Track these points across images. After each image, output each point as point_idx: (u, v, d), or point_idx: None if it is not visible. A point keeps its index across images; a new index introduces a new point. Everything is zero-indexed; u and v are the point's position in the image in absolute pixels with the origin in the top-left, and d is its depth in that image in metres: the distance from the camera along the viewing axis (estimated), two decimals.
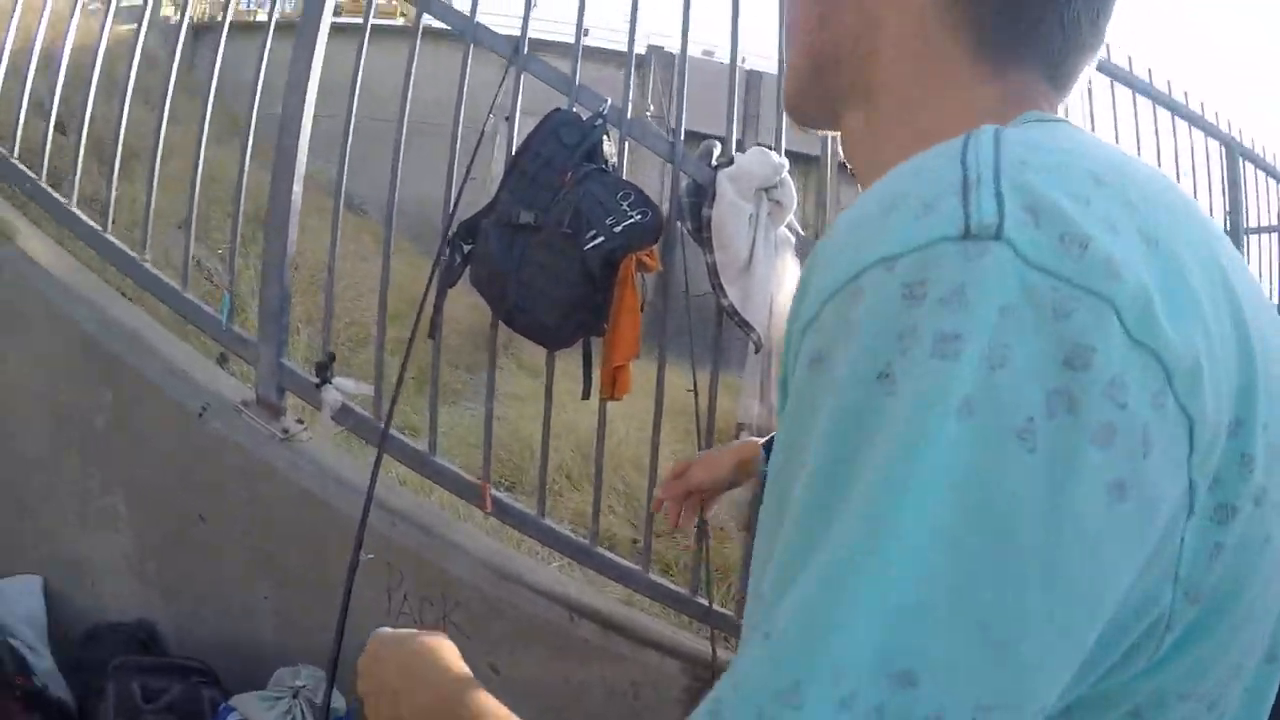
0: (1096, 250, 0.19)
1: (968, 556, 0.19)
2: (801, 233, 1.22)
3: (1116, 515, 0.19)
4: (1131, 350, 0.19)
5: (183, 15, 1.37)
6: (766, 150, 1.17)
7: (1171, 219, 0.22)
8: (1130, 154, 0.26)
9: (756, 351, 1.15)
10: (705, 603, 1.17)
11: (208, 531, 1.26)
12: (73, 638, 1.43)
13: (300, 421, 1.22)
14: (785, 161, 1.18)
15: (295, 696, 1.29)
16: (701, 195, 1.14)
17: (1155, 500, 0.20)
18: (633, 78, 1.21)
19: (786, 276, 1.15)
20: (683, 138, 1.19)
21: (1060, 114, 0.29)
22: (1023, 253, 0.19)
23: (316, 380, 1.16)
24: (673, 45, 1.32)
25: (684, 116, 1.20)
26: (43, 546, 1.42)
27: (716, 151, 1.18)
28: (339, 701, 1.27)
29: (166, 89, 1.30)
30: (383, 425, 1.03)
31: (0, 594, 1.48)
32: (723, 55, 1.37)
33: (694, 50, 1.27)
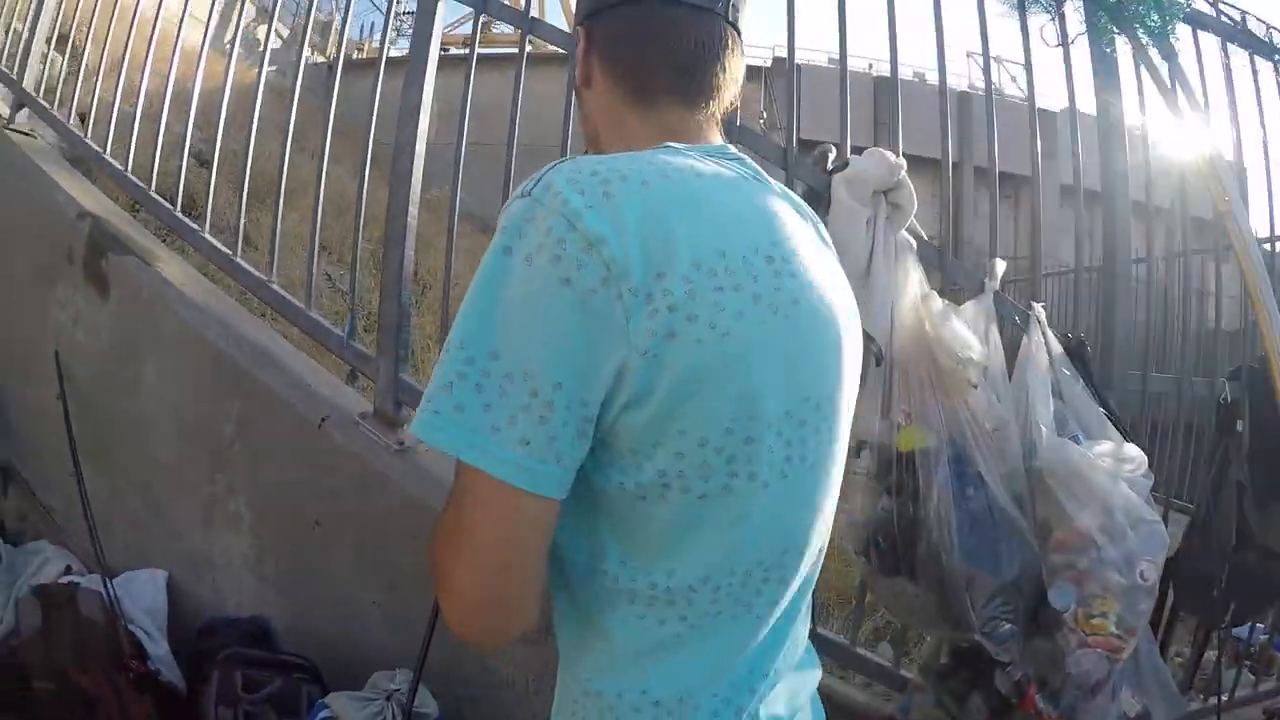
0: (558, 195, 0.46)
1: (503, 312, 0.45)
2: (924, 237, 1.19)
3: (566, 293, 0.44)
4: (569, 230, 0.45)
5: (299, 54, 1.48)
6: (883, 151, 1.15)
7: (639, 192, 0.47)
8: (660, 165, 0.50)
9: (877, 364, 1.12)
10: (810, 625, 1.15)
11: (322, 536, 1.34)
12: (192, 629, 1.53)
13: None
14: (903, 162, 1.14)
15: (388, 699, 1.34)
16: (816, 201, 1.12)
17: (588, 290, 0.44)
18: (758, 90, 1.23)
19: (908, 284, 1.12)
20: (796, 145, 1.19)
21: (700, 106, 0.58)
22: (536, 198, 0.46)
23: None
24: (799, 58, 1.31)
25: (800, 123, 1.20)
26: (171, 544, 1.54)
27: (831, 155, 1.16)
28: (430, 706, 1.32)
29: (304, 126, 1.39)
30: None
31: (127, 584, 1.60)
32: (852, 65, 1.36)
33: (820, 59, 1.28)
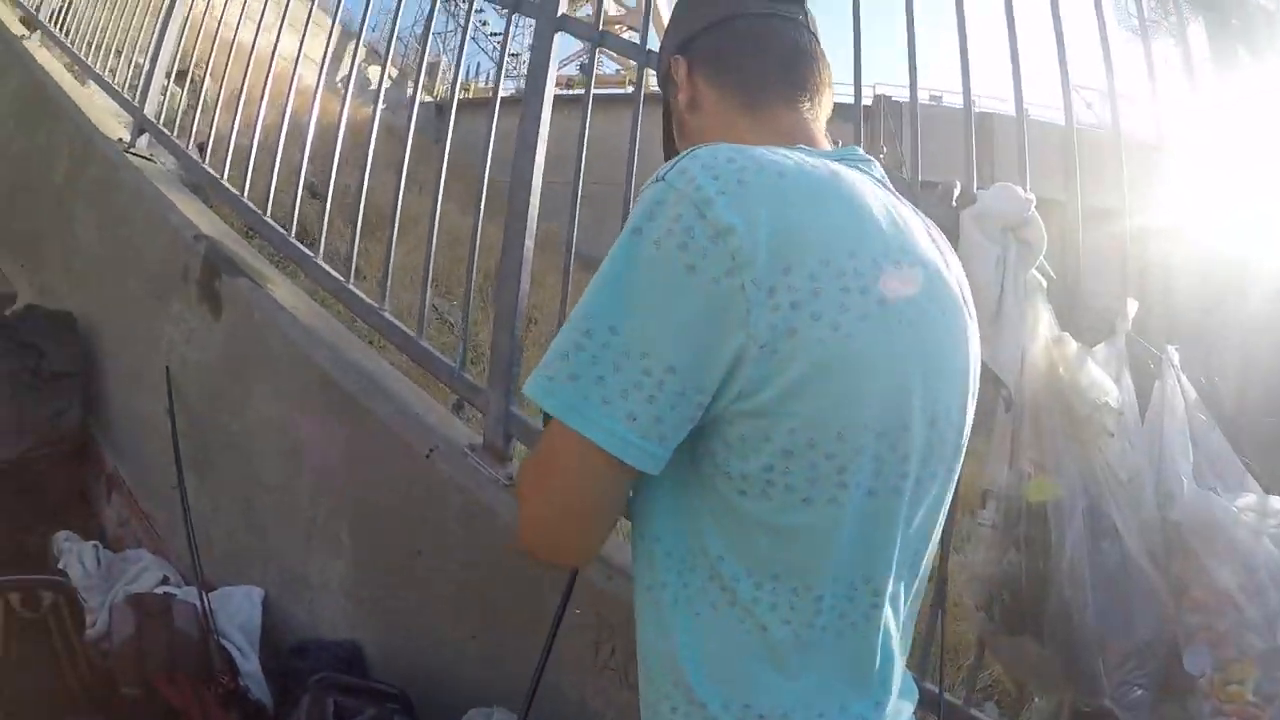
0: (691, 180, 0.47)
1: (627, 291, 0.47)
2: (1053, 276, 1.14)
3: (690, 280, 0.45)
4: (697, 218, 0.46)
5: (415, 92, 1.52)
6: (1012, 186, 1.11)
7: (774, 183, 0.48)
8: (796, 160, 0.50)
9: (1006, 410, 1.07)
10: (934, 688, 1.09)
11: (424, 566, 1.33)
12: (285, 648, 1.54)
13: None
14: (1033, 197, 1.11)
15: None
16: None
17: (712, 279, 0.45)
18: (862, 128, 1.20)
19: (1040, 325, 1.07)
20: (912, 180, 1.16)
21: (805, 108, 0.62)
22: (670, 183, 0.47)
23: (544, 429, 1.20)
24: (900, 94, 1.28)
25: (920, 157, 1.18)
26: (268, 562, 1.56)
27: (956, 191, 1.13)
28: None
29: (413, 162, 1.43)
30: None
31: (224, 599, 1.63)
32: (950, 100, 1.34)
33: (920, 96, 1.26)
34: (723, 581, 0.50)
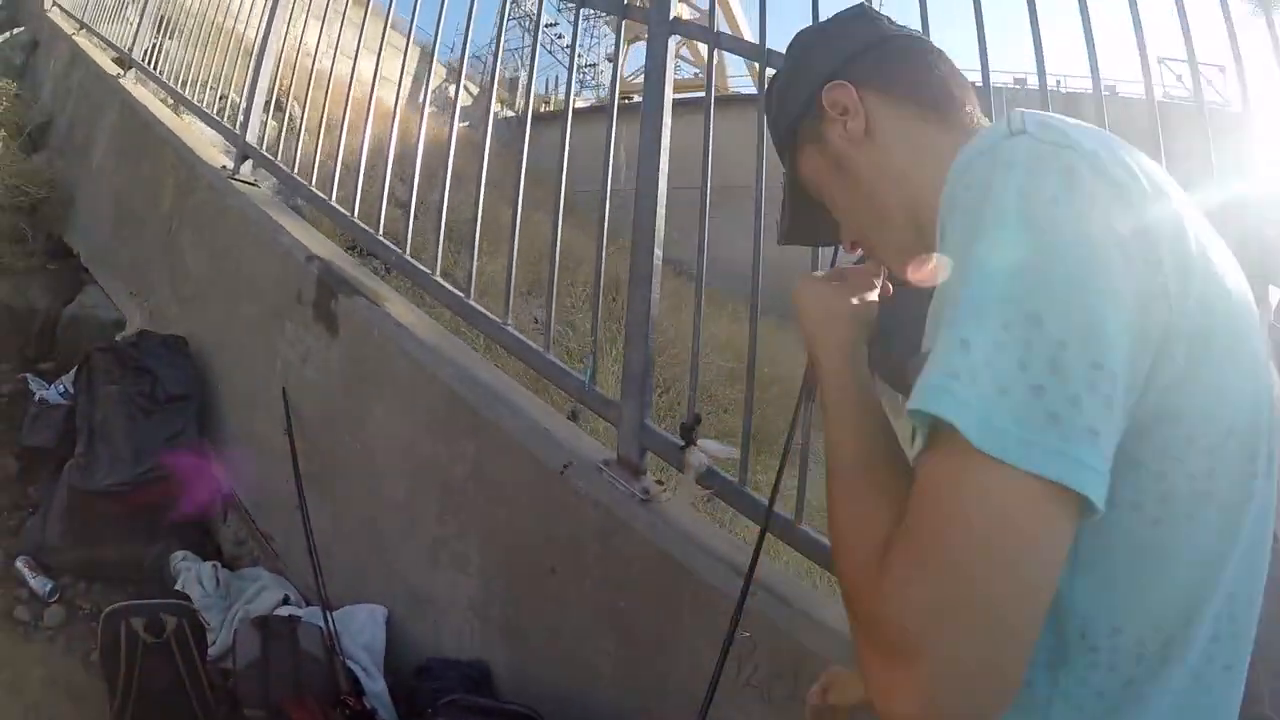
0: (1063, 133, 0.40)
1: (1039, 266, 0.37)
2: None
3: (1109, 239, 0.38)
4: (1093, 173, 0.39)
5: (526, 110, 1.50)
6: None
7: (1114, 141, 0.42)
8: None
9: None
10: None
11: (557, 583, 1.31)
12: (409, 668, 1.55)
13: (660, 483, 1.24)
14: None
15: None
16: None
17: (1124, 239, 0.38)
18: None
19: None
20: None
21: (982, 121, 0.58)
22: (1038, 137, 0.40)
23: (681, 442, 1.17)
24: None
25: None
26: (394, 581, 1.56)
27: None
28: None
29: (497, 173, 1.41)
30: (767, 501, 0.99)
31: (346, 618, 1.64)
32: (1035, 82, 1.27)
33: (1006, 80, 1.18)
34: (1114, 660, 0.38)
